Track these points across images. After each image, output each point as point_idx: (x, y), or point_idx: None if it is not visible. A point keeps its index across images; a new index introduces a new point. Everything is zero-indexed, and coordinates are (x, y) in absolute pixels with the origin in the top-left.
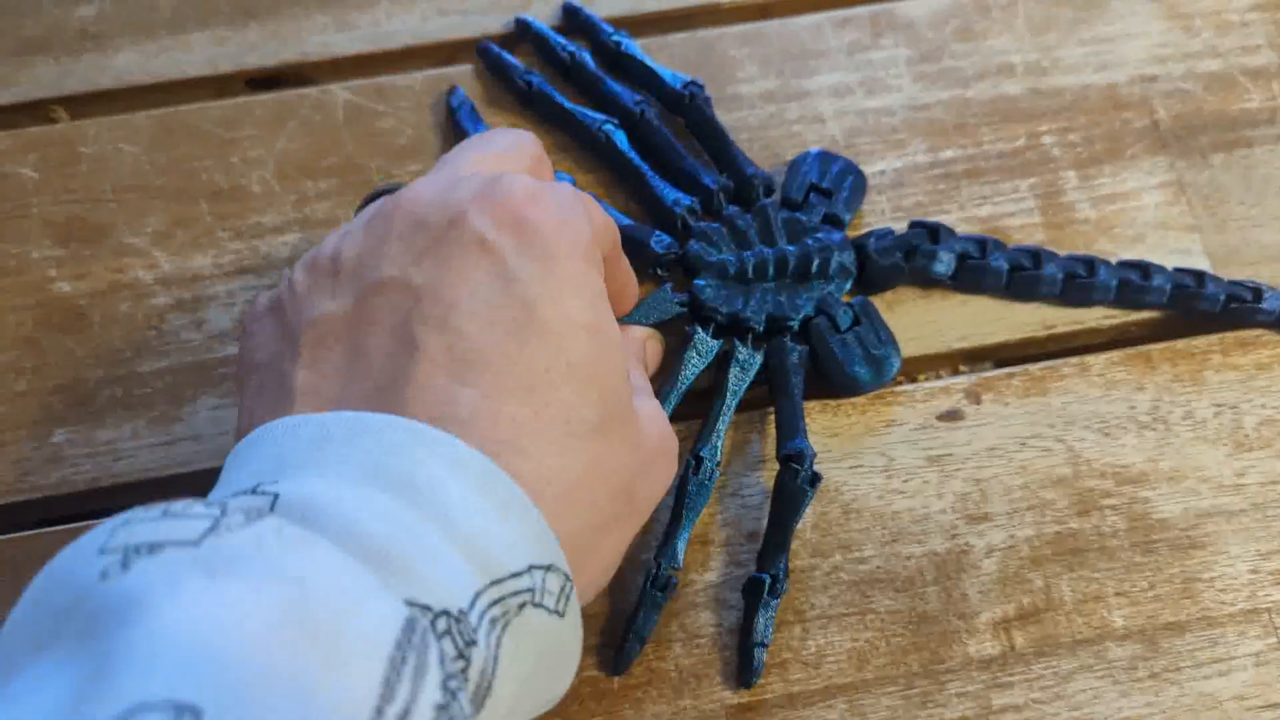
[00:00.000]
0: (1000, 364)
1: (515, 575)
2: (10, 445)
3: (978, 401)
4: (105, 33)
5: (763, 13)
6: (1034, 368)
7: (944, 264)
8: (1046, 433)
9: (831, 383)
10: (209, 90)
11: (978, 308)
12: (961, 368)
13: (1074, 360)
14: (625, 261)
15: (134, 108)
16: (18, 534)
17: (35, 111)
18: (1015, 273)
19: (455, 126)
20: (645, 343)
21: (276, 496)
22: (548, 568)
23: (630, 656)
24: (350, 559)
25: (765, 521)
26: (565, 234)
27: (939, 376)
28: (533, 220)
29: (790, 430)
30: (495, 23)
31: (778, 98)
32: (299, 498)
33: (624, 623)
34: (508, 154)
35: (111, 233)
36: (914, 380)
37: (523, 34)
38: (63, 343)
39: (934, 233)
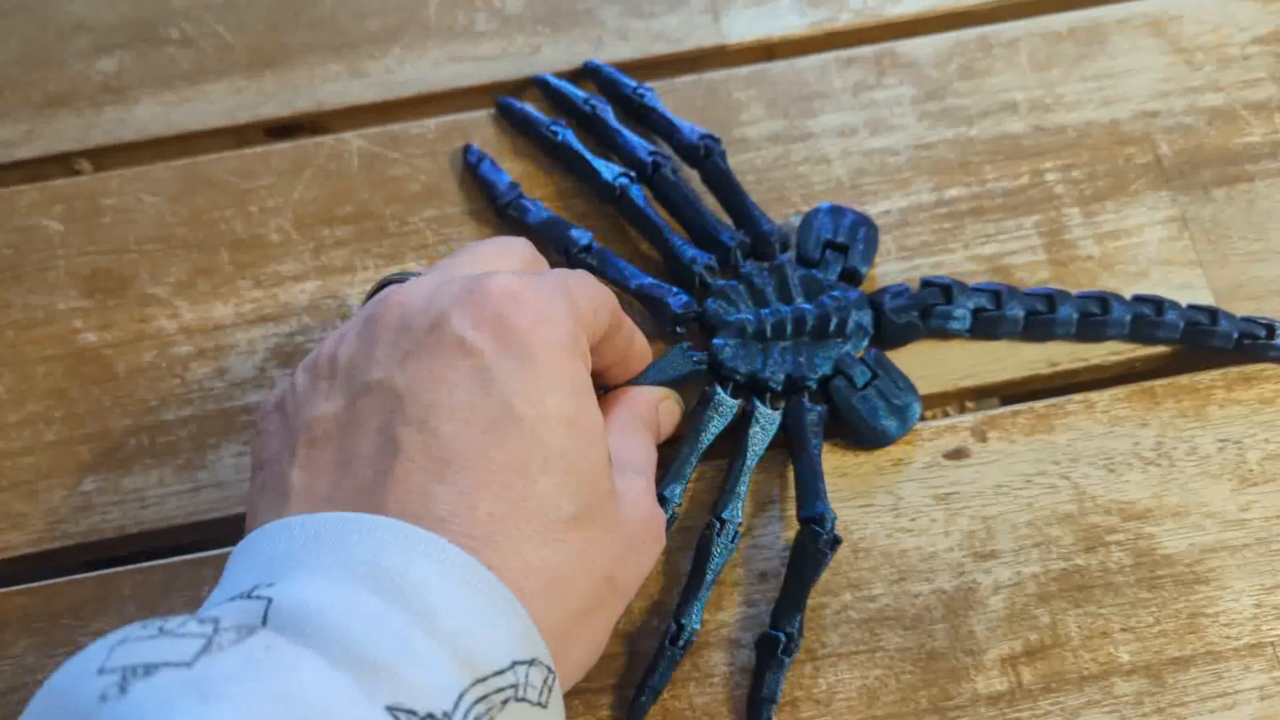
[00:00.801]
0: (1006, 401)
1: (499, 673)
2: (42, 494)
3: (984, 439)
4: (126, 85)
5: (768, 53)
6: (1039, 405)
7: (960, 320)
8: (1052, 470)
9: (860, 439)
10: (228, 140)
11: (984, 347)
12: (968, 405)
13: (1079, 397)
14: (628, 327)
15: (155, 159)
16: (50, 581)
17: (60, 164)
18: (1031, 318)
19: (479, 179)
20: (659, 404)
21: (270, 602)
22: (530, 662)
23: (644, 709)
24: (336, 671)
25: (777, 563)
26: (543, 331)
27: (945, 415)
28: (511, 319)
29: (811, 492)
30: (507, 68)
31: (783, 139)
32: (291, 603)
33: (641, 675)
34: (499, 255)
35: (135, 283)
36: (920, 419)
37: (543, 90)
38: (90, 392)
39: (947, 291)
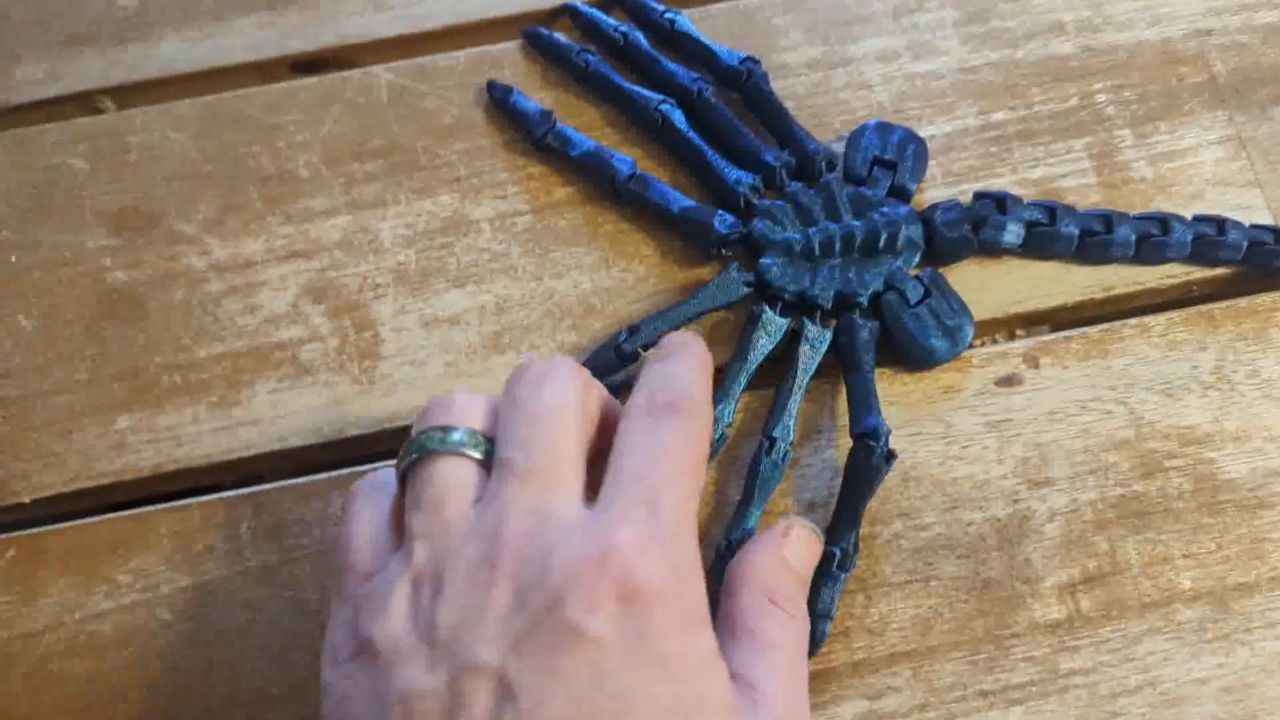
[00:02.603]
0: (1057, 328)
1: None
2: (76, 434)
3: (1036, 366)
4: (149, 22)
5: None
6: (1093, 330)
7: (1013, 234)
8: (1107, 395)
9: (907, 357)
10: (253, 76)
11: (1034, 271)
12: (1018, 332)
13: (1134, 322)
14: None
15: (180, 95)
16: (86, 520)
17: (82, 103)
18: (1086, 237)
19: (511, 112)
20: (787, 554)
21: None
22: None
23: None
24: None
25: (824, 492)
26: (665, 611)
27: (995, 341)
28: (632, 599)
29: (864, 407)
30: None
31: (823, 65)
32: None
33: None
34: (562, 401)
35: (163, 221)
36: (970, 346)
37: (572, 19)
38: (122, 331)
39: (1001, 203)
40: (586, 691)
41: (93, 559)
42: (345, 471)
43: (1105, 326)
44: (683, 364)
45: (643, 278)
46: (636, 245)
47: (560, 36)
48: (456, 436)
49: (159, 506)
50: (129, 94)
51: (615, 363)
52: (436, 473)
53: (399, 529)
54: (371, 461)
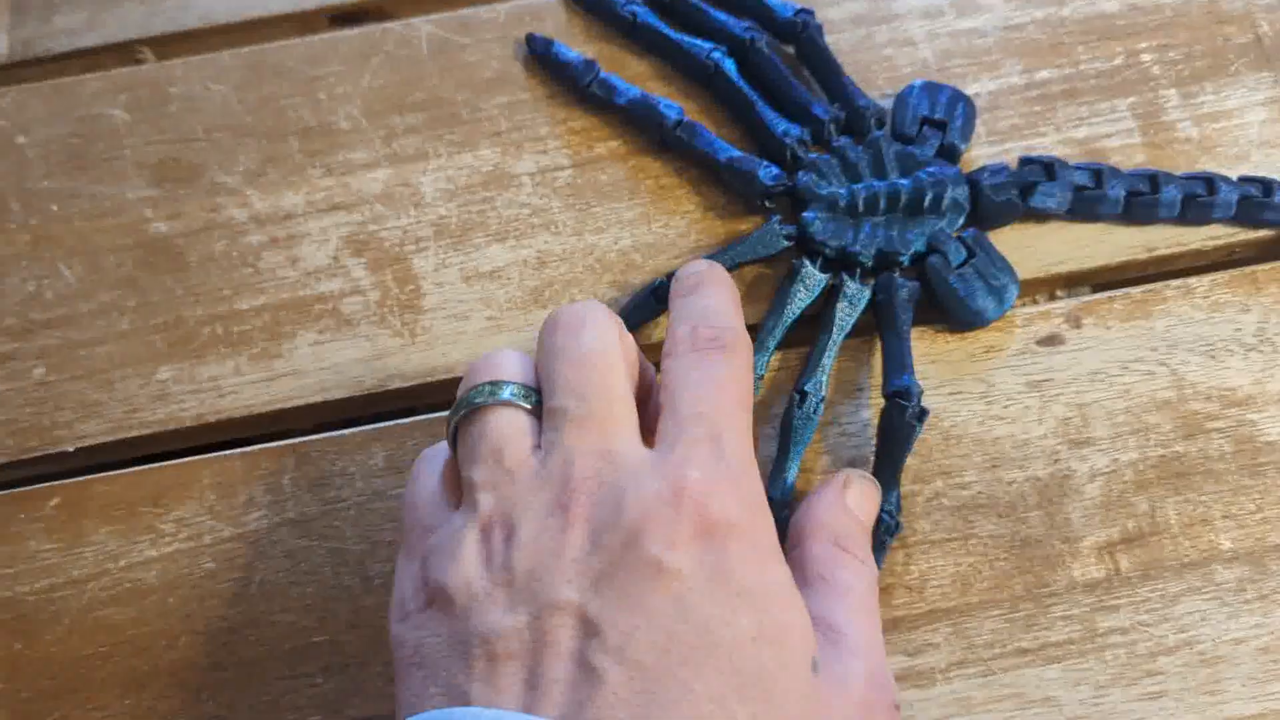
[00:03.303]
0: (1099, 288)
1: None
2: (118, 383)
3: (1078, 326)
4: None
5: None
6: (1135, 291)
7: (1059, 199)
8: (1149, 356)
9: (954, 318)
10: (292, 27)
11: (1077, 231)
12: (1059, 293)
13: (1176, 283)
14: (648, 370)
15: (219, 47)
16: (129, 469)
17: (122, 53)
18: (1132, 199)
19: (553, 63)
20: (849, 499)
21: None
22: None
23: None
24: None
25: (865, 451)
26: (739, 542)
27: (1036, 302)
28: (709, 531)
29: (898, 367)
30: None
31: (867, 21)
32: None
33: None
34: (605, 347)
35: (204, 172)
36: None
37: None
38: (163, 282)
39: (1049, 168)
40: (671, 623)
41: (136, 508)
42: (387, 424)
43: (1148, 287)
44: (715, 294)
45: (684, 233)
46: (679, 200)
47: None
48: (505, 390)
49: (201, 457)
50: (168, 45)
51: (655, 307)
52: (490, 425)
53: (454, 487)
54: (413, 414)
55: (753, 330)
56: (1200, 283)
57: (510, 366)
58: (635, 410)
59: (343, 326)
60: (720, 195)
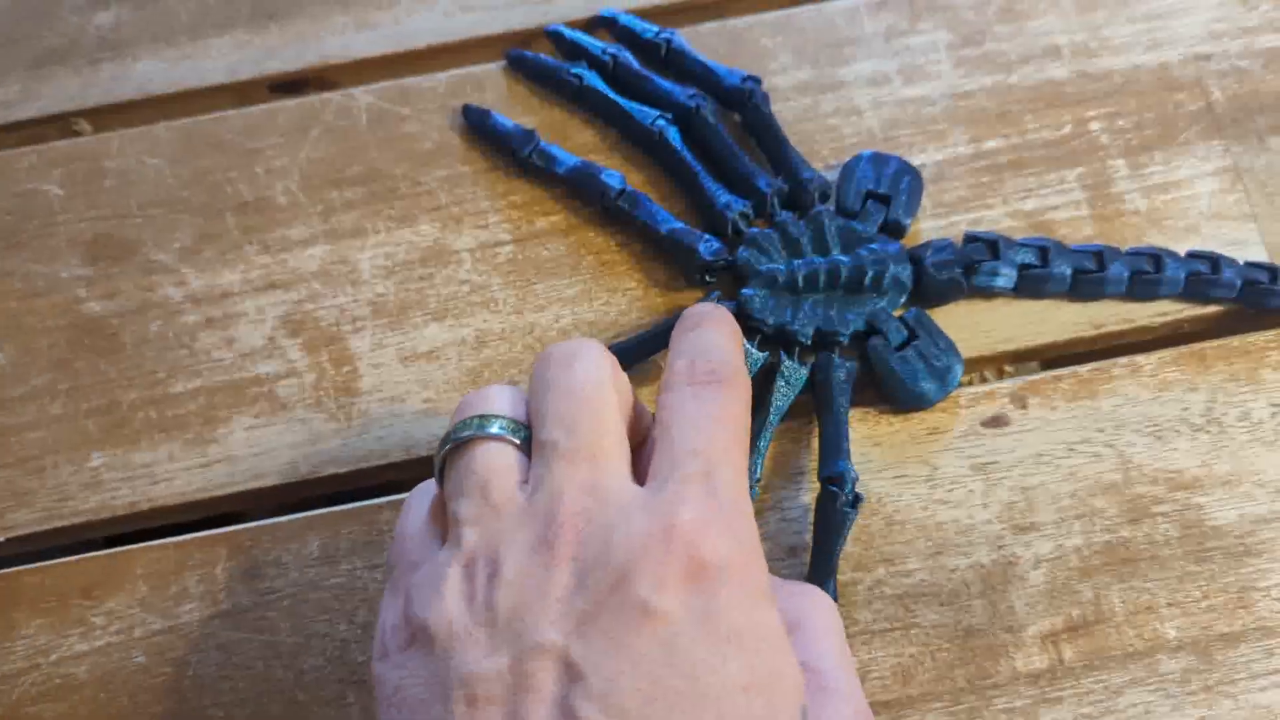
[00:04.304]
0: (1047, 364)
1: None
2: (49, 471)
3: (1024, 406)
4: (124, 40)
5: None
6: (1083, 369)
7: (1005, 278)
8: (1096, 438)
9: (896, 400)
10: (231, 97)
11: (1024, 307)
12: (1007, 369)
13: (1124, 360)
14: (641, 411)
15: (157, 118)
16: (60, 560)
17: (59, 124)
18: (1079, 276)
19: (491, 133)
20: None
21: None
22: None
23: None
24: None
25: (806, 536)
26: (731, 587)
27: (984, 380)
28: (697, 574)
29: (833, 450)
30: (519, 16)
31: (813, 89)
32: None
33: None
34: (596, 387)
35: (139, 250)
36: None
37: (556, 44)
38: (96, 364)
39: (993, 246)
40: (657, 669)
41: (66, 600)
42: (321, 511)
43: (1095, 365)
44: (715, 331)
45: (625, 310)
46: (620, 277)
47: (545, 56)
48: (494, 424)
49: (133, 546)
50: (105, 116)
51: (660, 345)
52: (477, 459)
53: (441, 521)
54: (349, 500)
55: None
56: (1148, 360)
57: (500, 401)
58: (627, 446)
59: (278, 410)
60: (663, 270)
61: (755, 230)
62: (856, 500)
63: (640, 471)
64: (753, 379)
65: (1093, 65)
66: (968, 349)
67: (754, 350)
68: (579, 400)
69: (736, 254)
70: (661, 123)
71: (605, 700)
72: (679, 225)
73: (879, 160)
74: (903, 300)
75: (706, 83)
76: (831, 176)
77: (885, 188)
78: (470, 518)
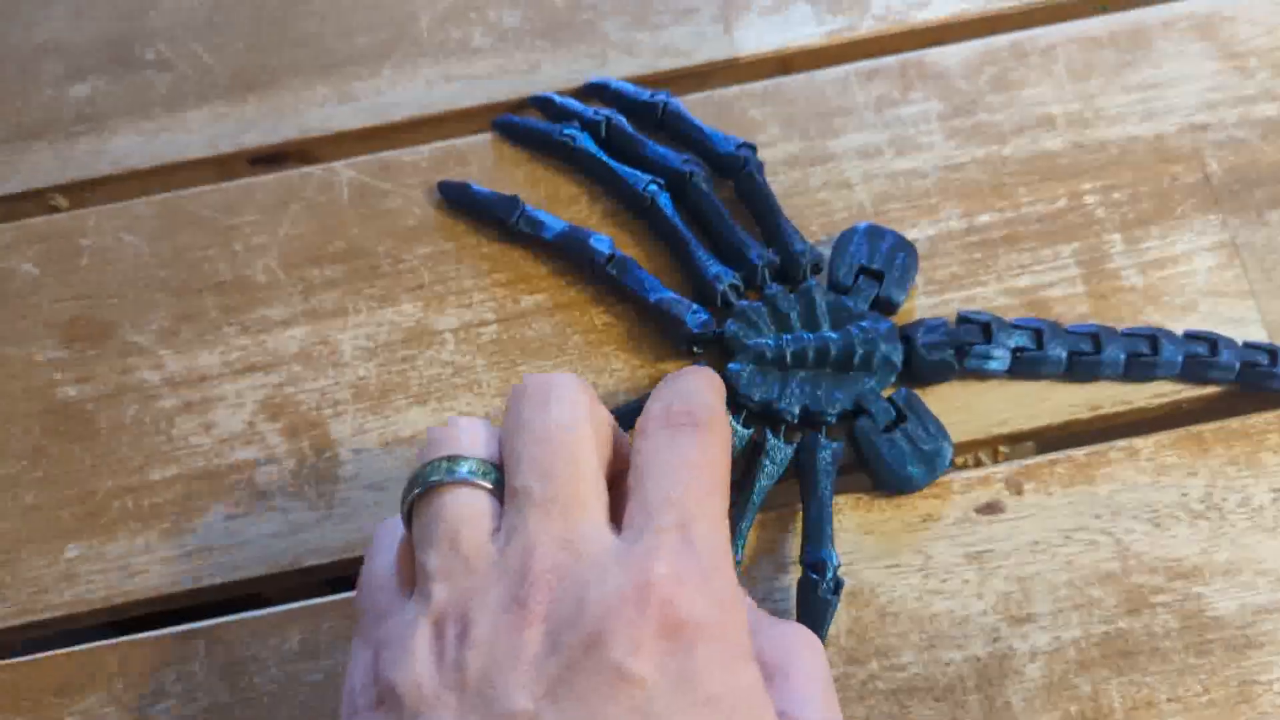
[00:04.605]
0: (1043, 446)
1: None
2: (23, 563)
3: (1019, 492)
4: (101, 114)
5: (784, 66)
6: (1079, 453)
7: (999, 361)
8: (1093, 524)
9: (883, 483)
10: (210, 171)
11: (1018, 388)
12: (1001, 450)
13: (1121, 444)
14: (623, 443)
15: (135, 193)
16: (33, 656)
17: (35, 200)
18: (1074, 358)
19: (475, 203)
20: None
21: None
22: None
23: None
24: None
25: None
26: (709, 647)
27: (979, 463)
28: (674, 634)
29: (815, 536)
30: (503, 88)
31: (802, 162)
32: None
33: None
34: (572, 420)
35: (115, 331)
36: (951, 466)
37: (545, 110)
38: (71, 451)
39: (986, 328)
40: None
41: (41, 699)
42: (302, 604)
43: (1092, 449)
44: (694, 377)
45: (612, 391)
46: (606, 357)
47: (534, 120)
48: (464, 467)
49: (108, 642)
50: (82, 191)
51: None
52: (447, 506)
53: (409, 567)
54: (330, 592)
55: None
56: (1145, 444)
57: (470, 439)
58: (605, 491)
59: (257, 498)
60: (650, 348)
61: (745, 303)
62: (838, 587)
63: (618, 512)
64: (737, 457)
65: (1087, 136)
66: (960, 431)
67: (739, 427)
68: (555, 445)
69: (725, 326)
70: (653, 188)
71: None
72: (668, 294)
73: (874, 234)
74: (892, 380)
75: (701, 148)
76: (825, 251)
77: (879, 263)
78: (439, 571)
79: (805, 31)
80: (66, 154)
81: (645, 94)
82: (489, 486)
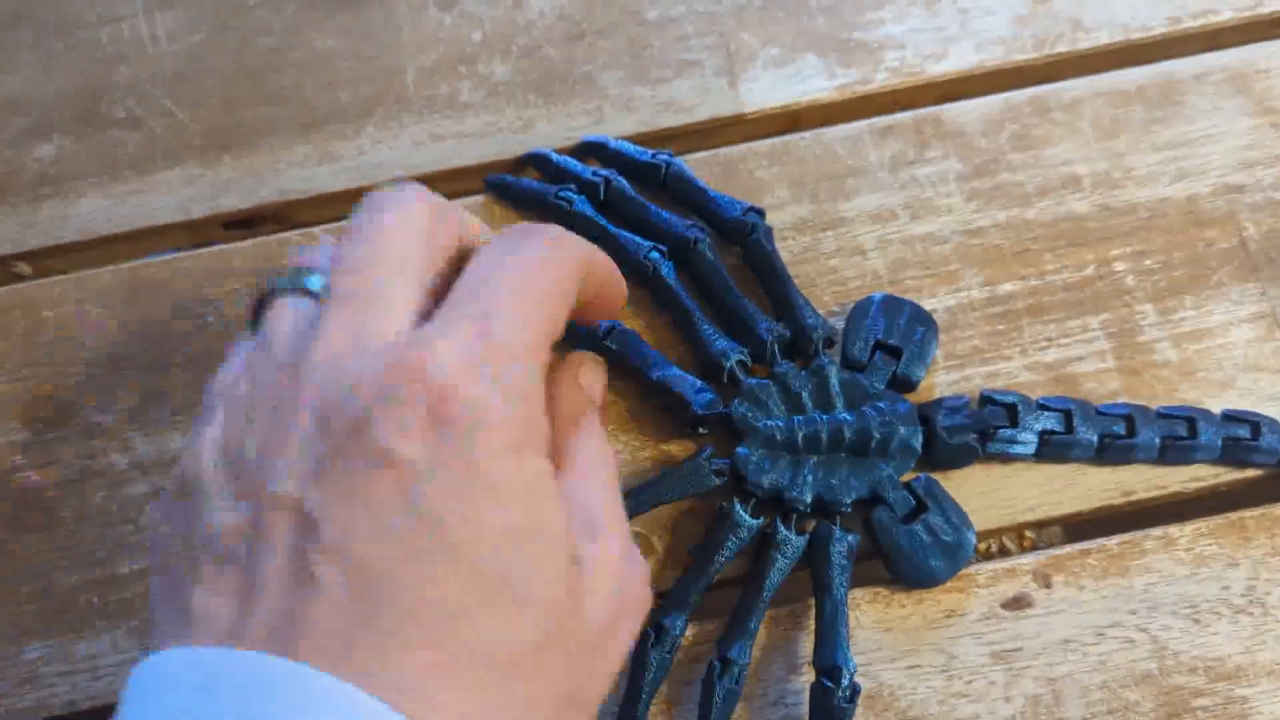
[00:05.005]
0: (1072, 533)
1: None
2: None
3: (1048, 585)
4: (66, 175)
5: (793, 123)
6: (1111, 542)
7: (1025, 446)
8: (1127, 620)
9: (902, 576)
10: (182, 236)
11: (1046, 472)
12: (1027, 534)
13: (1156, 532)
14: (603, 271)
15: (102, 260)
16: None
17: None
18: (1106, 442)
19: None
20: (581, 377)
21: None
22: None
23: None
24: None
25: None
26: (486, 433)
27: (1003, 550)
28: (446, 419)
29: (829, 639)
30: (494, 146)
31: (812, 226)
32: None
33: None
34: (401, 235)
35: (80, 410)
36: (975, 552)
37: (541, 169)
38: (32, 543)
39: (1011, 410)
40: (398, 520)
41: None
42: None
43: (1125, 537)
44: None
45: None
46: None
47: (529, 180)
48: (304, 278)
49: None
50: (46, 258)
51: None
52: (274, 309)
53: None
54: None
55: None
56: (1182, 532)
57: (319, 255)
58: (421, 299)
59: None
60: (652, 426)
61: (753, 381)
62: (854, 694)
63: None
64: (745, 550)
65: (1116, 198)
66: (983, 517)
67: (746, 516)
68: (370, 246)
69: (731, 407)
70: (655, 255)
71: (338, 552)
72: (671, 371)
73: (890, 306)
74: (911, 465)
75: (705, 212)
76: (837, 323)
77: (896, 339)
78: (248, 365)
79: (815, 85)
80: (29, 218)
81: (646, 154)
82: (320, 293)
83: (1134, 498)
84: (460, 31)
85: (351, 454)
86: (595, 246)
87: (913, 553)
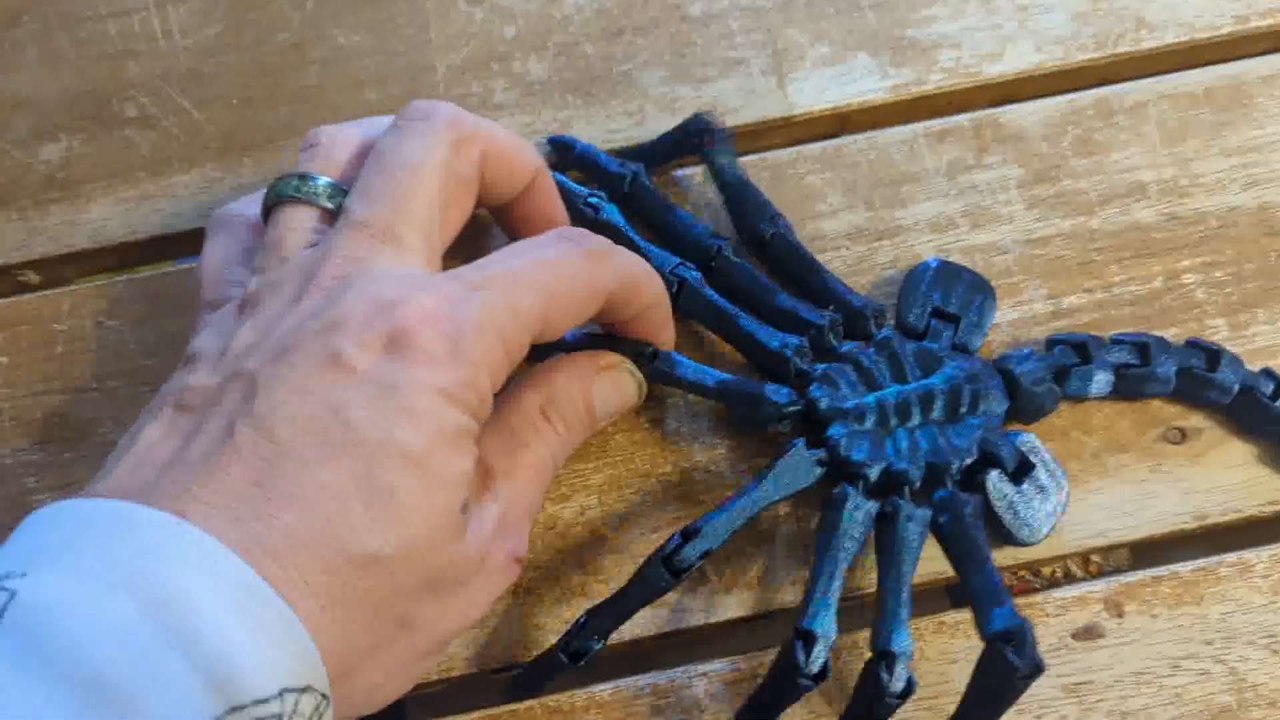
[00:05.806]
0: (1140, 558)
1: (262, 701)
2: None
3: (1120, 614)
4: (76, 179)
5: (842, 124)
6: (1184, 569)
7: (1101, 383)
8: (1203, 651)
9: (1007, 537)
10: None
11: (1115, 496)
12: (1094, 559)
13: (1231, 558)
14: (648, 296)
15: (113, 269)
16: None
17: (3, 277)
18: (1182, 375)
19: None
20: (595, 384)
21: (14, 595)
22: (303, 689)
23: None
24: (64, 701)
25: None
26: (427, 370)
27: (1071, 577)
28: (401, 347)
29: (991, 596)
30: None
31: (867, 235)
32: (35, 602)
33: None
34: (425, 168)
35: (95, 429)
36: (1038, 576)
37: (562, 156)
38: None
39: (1082, 348)
40: (322, 411)
41: None
42: None
43: (1199, 564)
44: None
45: (658, 495)
46: (653, 460)
47: (564, 177)
48: (310, 185)
49: None
50: (55, 267)
51: (670, 582)
52: (283, 217)
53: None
54: None
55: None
56: (1259, 557)
57: (332, 158)
58: (432, 237)
59: None
60: (700, 450)
61: (823, 366)
62: (906, 692)
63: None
64: (862, 537)
65: (1184, 207)
66: (1054, 546)
67: (866, 501)
68: (391, 177)
69: (809, 395)
70: (681, 270)
71: (261, 422)
72: (728, 377)
73: (947, 272)
74: (999, 420)
75: (665, 233)
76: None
77: (954, 307)
78: (259, 268)
79: (867, 86)
80: (36, 224)
81: (615, 163)
82: (330, 207)
83: (1208, 522)
84: (492, 27)
85: (309, 348)
86: (650, 269)
87: (1024, 511)
